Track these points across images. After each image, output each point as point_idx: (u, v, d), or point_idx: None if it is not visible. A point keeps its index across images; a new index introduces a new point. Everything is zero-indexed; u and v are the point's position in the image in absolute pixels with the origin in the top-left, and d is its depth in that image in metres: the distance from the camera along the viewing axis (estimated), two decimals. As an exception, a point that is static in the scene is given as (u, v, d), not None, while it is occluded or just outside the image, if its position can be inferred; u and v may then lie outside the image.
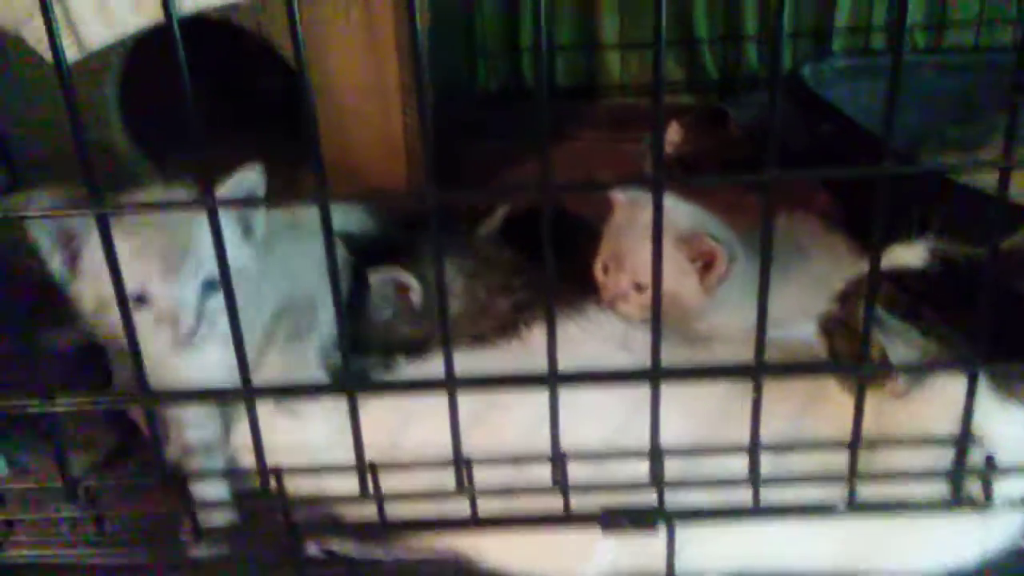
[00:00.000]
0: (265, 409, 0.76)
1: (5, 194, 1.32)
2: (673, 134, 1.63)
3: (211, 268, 0.79)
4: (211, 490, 0.90)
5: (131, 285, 0.76)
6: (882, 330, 0.68)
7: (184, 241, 0.80)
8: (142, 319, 0.78)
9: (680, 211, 1.03)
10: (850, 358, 0.70)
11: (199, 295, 0.80)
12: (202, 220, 0.77)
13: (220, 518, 0.90)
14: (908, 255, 0.78)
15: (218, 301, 0.80)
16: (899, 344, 0.69)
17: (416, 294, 1.03)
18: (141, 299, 0.79)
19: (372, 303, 1.04)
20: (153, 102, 1.43)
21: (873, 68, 1.56)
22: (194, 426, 0.90)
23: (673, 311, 1.00)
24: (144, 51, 1.36)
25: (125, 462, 1.01)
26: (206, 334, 0.80)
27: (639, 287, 1.02)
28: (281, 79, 1.62)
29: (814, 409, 0.79)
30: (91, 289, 0.80)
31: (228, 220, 0.82)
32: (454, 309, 1.05)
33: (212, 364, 0.84)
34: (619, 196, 1.05)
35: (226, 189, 0.81)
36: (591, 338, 0.97)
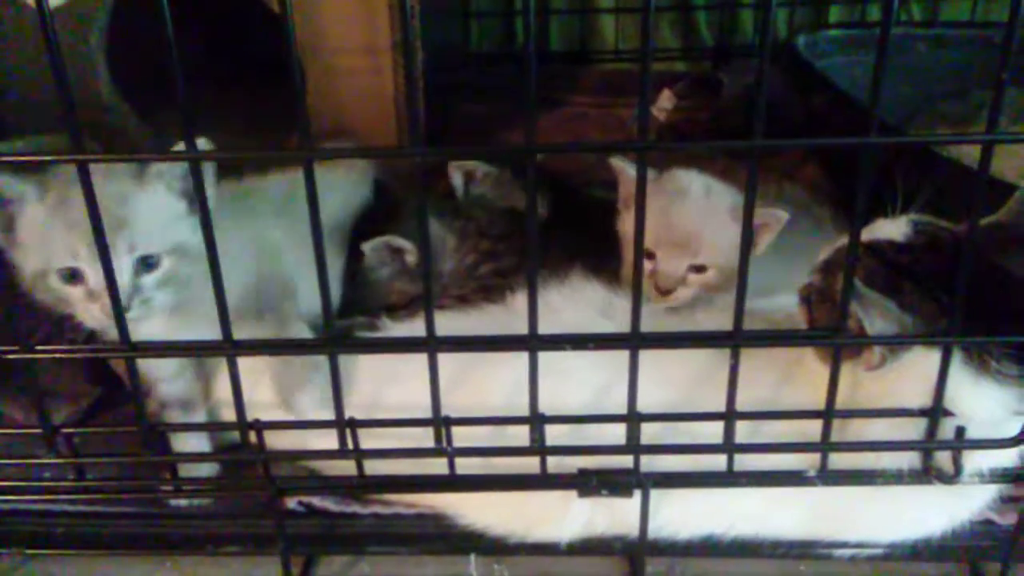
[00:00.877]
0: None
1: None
2: (665, 101, 1.62)
3: (146, 245, 0.78)
4: (192, 443, 0.90)
5: (62, 260, 0.76)
6: (860, 302, 0.69)
7: (117, 218, 0.76)
8: (75, 294, 0.77)
9: (719, 185, 1.01)
10: (828, 328, 0.71)
11: (132, 273, 0.78)
12: (138, 195, 0.78)
13: (201, 470, 0.91)
14: (891, 228, 0.79)
15: (153, 279, 0.78)
16: (876, 316, 0.69)
17: (411, 255, 1.04)
18: (74, 274, 0.77)
19: (368, 265, 1.05)
20: (140, 55, 1.41)
21: (868, 40, 1.54)
22: (166, 381, 0.90)
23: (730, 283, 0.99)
24: (131, 3, 1.34)
25: (108, 415, 1.01)
26: (140, 314, 0.78)
27: (699, 269, 0.97)
28: (272, 35, 1.60)
29: (793, 378, 0.80)
30: (26, 259, 0.77)
31: (172, 195, 0.81)
32: (442, 269, 1.06)
33: (153, 337, 0.82)
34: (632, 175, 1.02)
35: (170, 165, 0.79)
36: (573, 306, 0.97)
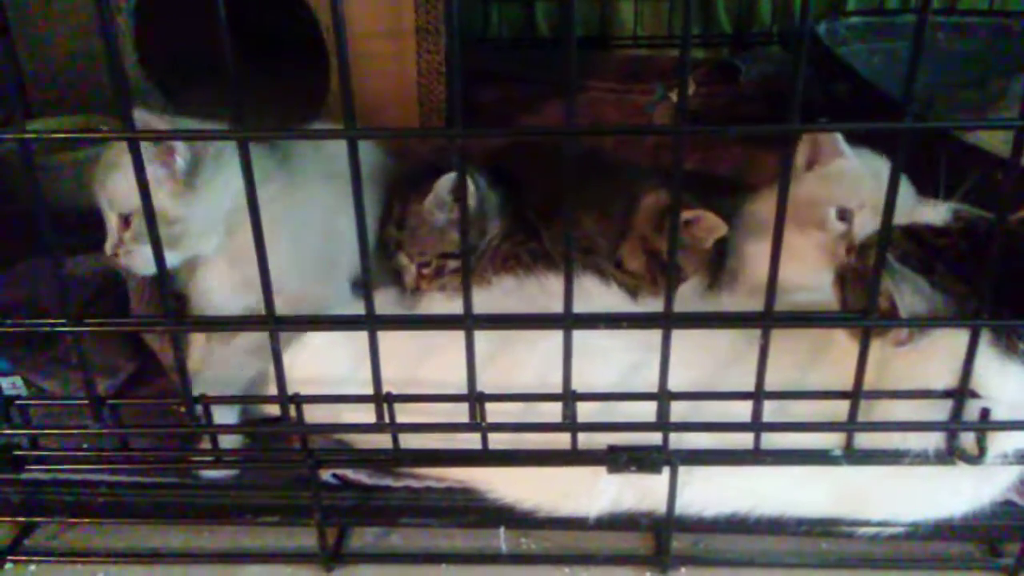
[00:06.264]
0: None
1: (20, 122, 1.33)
2: (685, 87, 1.63)
3: (119, 205, 0.93)
4: (227, 417, 0.92)
5: None
6: (892, 278, 0.70)
7: (101, 181, 0.95)
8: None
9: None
10: (859, 309, 0.72)
11: (118, 227, 0.94)
12: (116, 164, 0.93)
13: (233, 442, 0.92)
14: (931, 213, 0.80)
15: (128, 234, 0.93)
16: (907, 293, 0.71)
17: (472, 198, 1.04)
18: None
19: (428, 209, 1.06)
20: (165, 36, 1.43)
21: (886, 27, 1.55)
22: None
23: None
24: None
25: (142, 389, 1.03)
26: (128, 262, 0.94)
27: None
28: (291, 16, 1.61)
29: (820, 360, 0.81)
30: None
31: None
32: (489, 227, 1.09)
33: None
34: (842, 144, 1.01)
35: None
36: (606, 291, 0.98)
